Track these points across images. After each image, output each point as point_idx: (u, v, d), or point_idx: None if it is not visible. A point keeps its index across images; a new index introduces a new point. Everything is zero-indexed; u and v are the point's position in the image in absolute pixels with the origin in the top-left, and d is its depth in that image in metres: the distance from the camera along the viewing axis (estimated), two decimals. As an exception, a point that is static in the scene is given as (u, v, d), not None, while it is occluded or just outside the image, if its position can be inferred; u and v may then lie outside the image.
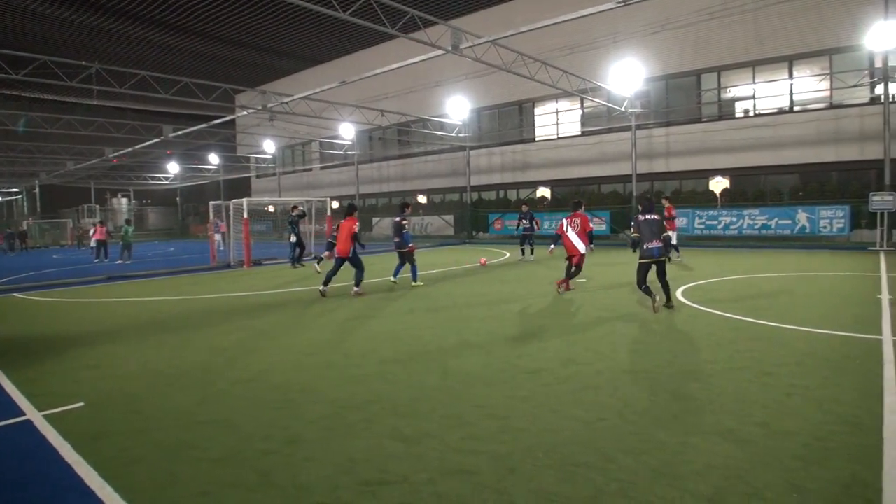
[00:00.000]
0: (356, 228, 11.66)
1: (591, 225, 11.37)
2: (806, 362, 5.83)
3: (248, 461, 3.91)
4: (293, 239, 18.79)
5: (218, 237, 24.18)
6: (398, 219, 12.88)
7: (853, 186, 21.63)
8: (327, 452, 4.00)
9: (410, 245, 12.86)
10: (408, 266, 12.92)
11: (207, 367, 6.47)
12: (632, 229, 9.31)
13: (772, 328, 7.45)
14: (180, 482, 3.65)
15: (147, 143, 34.20)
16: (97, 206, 51.15)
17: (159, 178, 54.50)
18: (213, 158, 47.04)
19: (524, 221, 18.78)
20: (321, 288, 11.65)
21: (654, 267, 8.98)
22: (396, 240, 12.86)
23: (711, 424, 4.28)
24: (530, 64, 20.65)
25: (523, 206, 19.51)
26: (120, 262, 22.45)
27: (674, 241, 15.32)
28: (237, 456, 4.00)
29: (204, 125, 31.01)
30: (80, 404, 5.22)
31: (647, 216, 9.02)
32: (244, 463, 3.88)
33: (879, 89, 20.24)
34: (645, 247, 8.87)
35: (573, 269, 11.19)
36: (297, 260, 18.73)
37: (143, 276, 16.86)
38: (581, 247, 10.98)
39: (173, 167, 50.04)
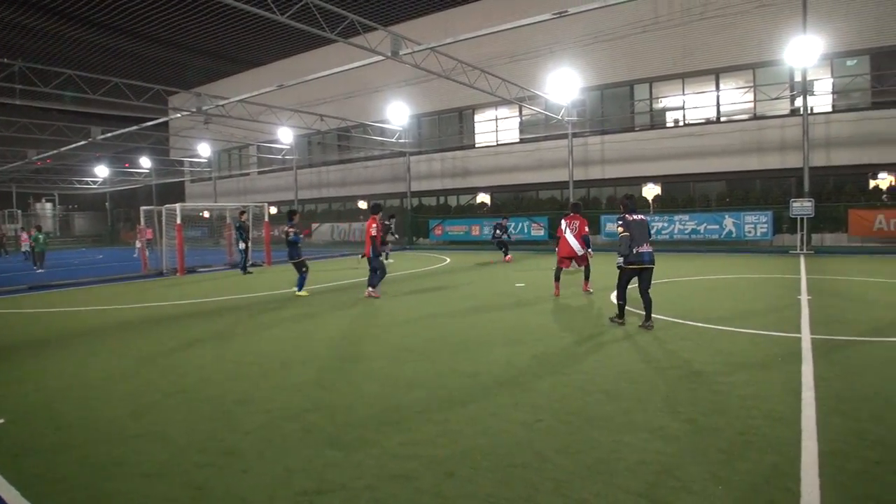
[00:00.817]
0: (373, 231, 11.53)
1: (587, 229, 11.37)
2: (731, 361, 6.12)
3: (183, 475, 3.80)
4: (242, 245, 18.35)
5: (139, 244, 23.88)
6: (286, 228, 12.58)
7: (775, 193, 22.82)
8: (264, 463, 3.94)
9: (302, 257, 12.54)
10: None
11: (138, 378, 6.24)
12: (619, 230, 8.06)
13: (700, 328, 7.78)
14: (110, 499, 3.51)
15: (74, 146, 32.70)
16: (19, 212, 48.49)
17: (87, 182, 52.07)
18: (145, 162, 45.31)
19: (497, 231, 19.88)
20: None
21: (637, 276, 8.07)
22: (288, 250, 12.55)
23: (643, 422, 4.44)
24: (470, 71, 20.89)
25: (504, 220, 20.35)
26: (39, 270, 21.36)
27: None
28: (171, 470, 3.88)
29: (135, 127, 29.91)
30: (1, 421, 4.95)
31: (636, 216, 8.07)
32: (178, 477, 3.77)
33: (799, 101, 21.48)
34: (635, 250, 7.86)
35: (586, 269, 11.61)
36: (244, 267, 18.34)
37: (69, 286, 16.09)
38: (578, 248, 11.10)
39: (102, 171, 47.91)
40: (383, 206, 35.50)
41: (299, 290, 12.59)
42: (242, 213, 19.77)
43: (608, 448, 3.98)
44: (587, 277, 11.59)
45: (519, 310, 9.94)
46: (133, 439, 4.45)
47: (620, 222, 8.04)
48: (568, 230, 11.18)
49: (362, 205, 37.15)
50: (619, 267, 8.12)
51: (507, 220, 20.74)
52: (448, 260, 21.38)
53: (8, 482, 3.76)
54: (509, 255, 20.13)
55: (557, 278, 11.51)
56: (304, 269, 12.53)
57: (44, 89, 18.99)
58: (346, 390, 5.56)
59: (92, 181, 51.56)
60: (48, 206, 55.62)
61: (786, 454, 3.79)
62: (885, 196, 20.90)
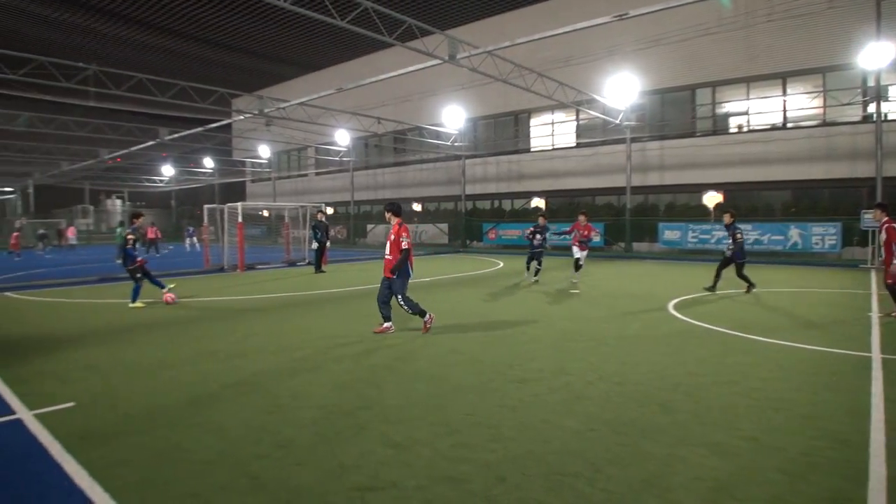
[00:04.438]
0: (404, 242, 8.32)
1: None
2: (794, 378, 5.88)
3: (239, 464, 3.92)
4: (315, 245, 18.58)
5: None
6: (128, 232, 11.54)
7: (845, 204, 21.80)
8: (317, 457, 4.02)
9: (139, 259, 11.39)
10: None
11: (198, 369, 6.46)
12: (737, 236, 11.96)
13: (761, 343, 7.51)
14: (169, 483, 3.66)
15: (143, 146, 34.22)
16: (91, 207, 50.97)
17: (154, 181, 54.40)
18: (209, 162, 47.02)
19: (538, 236, 14.71)
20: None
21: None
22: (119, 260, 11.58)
23: (699, 437, 4.31)
24: (527, 75, 20.81)
25: (540, 219, 15.02)
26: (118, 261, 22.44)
27: (582, 261, 14.14)
28: (227, 459, 4.01)
29: (200, 129, 31.06)
30: (71, 404, 5.22)
31: None
32: (234, 466, 3.89)
33: (872, 107, 20.47)
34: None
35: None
36: (318, 266, 18.51)
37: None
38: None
39: (168, 170, 49.98)
40: (439, 209, 36.05)
41: (132, 301, 11.39)
42: (319, 211, 20.06)
43: (662, 462, 3.89)
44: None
45: (572, 316, 9.81)
46: (191, 428, 4.62)
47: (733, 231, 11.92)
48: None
49: (417, 207, 37.46)
50: None
51: (546, 221, 15.10)
52: (501, 264, 21.31)
53: (77, 462, 3.96)
54: (537, 277, 15.03)
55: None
56: (137, 279, 11.33)
57: (115, 92, 19.95)
58: (398, 390, 5.61)
59: (159, 179, 53.84)
60: (118, 202, 58.30)
61: (852, 478, 3.62)
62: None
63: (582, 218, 14.30)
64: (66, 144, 36.93)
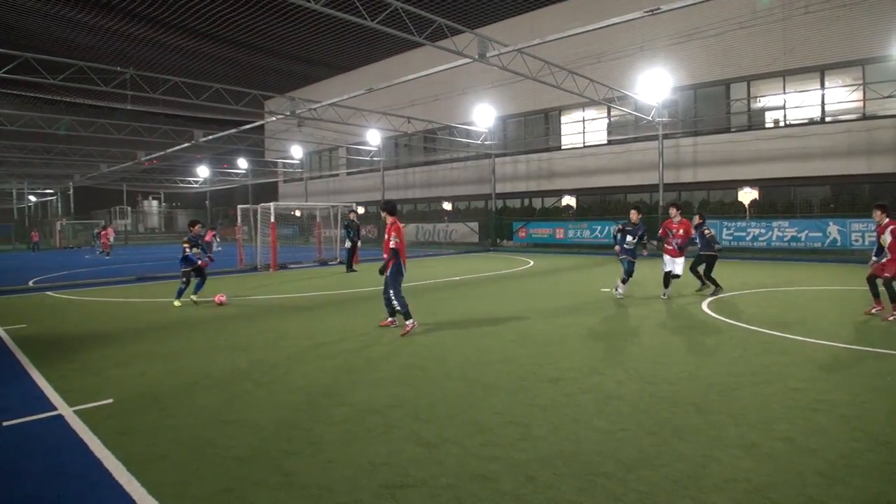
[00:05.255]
0: (392, 241, 8.40)
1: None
2: (834, 378, 5.73)
3: (272, 460, 3.98)
4: (348, 244, 18.73)
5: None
6: (185, 240, 11.89)
7: (886, 199, 21.03)
8: (348, 455, 4.05)
9: (200, 261, 11.82)
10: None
11: (231, 367, 6.58)
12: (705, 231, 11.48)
13: (799, 342, 7.34)
14: (204, 479, 3.73)
15: (178, 147, 34.96)
16: (129, 208, 52.28)
17: (189, 182, 55.54)
18: (242, 163, 47.82)
19: (630, 238, 11.59)
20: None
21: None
22: None
23: (734, 438, 4.23)
24: (557, 72, 20.65)
25: (633, 213, 11.78)
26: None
27: (677, 271, 11.43)
28: (260, 455, 4.08)
29: (233, 130, 31.61)
30: (110, 401, 5.36)
31: None
32: (267, 462, 3.95)
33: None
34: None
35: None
36: (349, 265, 18.67)
37: (170, 278, 17.16)
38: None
39: (203, 171, 50.97)
40: (469, 208, 36.03)
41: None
42: (352, 211, 20.25)
43: (696, 462, 3.83)
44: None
45: (604, 315, 9.72)
46: (226, 424, 4.71)
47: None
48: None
49: (447, 206, 37.51)
50: None
51: (640, 217, 12.08)
52: (531, 263, 21.20)
53: (115, 457, 4.07)
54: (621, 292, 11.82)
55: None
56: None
57: (152, 95, 20.41)
58: (428, 389, 5.63)
59: (194, 180, 54.95)
60: (154, 203, 59.66)
61: (893, 482, 3.51)
62: None
63: (673, 212, 11.47)
64: (105, 147, 37.96)
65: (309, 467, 3.87)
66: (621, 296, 11.54)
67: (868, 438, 4.18)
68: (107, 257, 29.09)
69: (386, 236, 8.45)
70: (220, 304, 11.67)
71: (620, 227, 11.71)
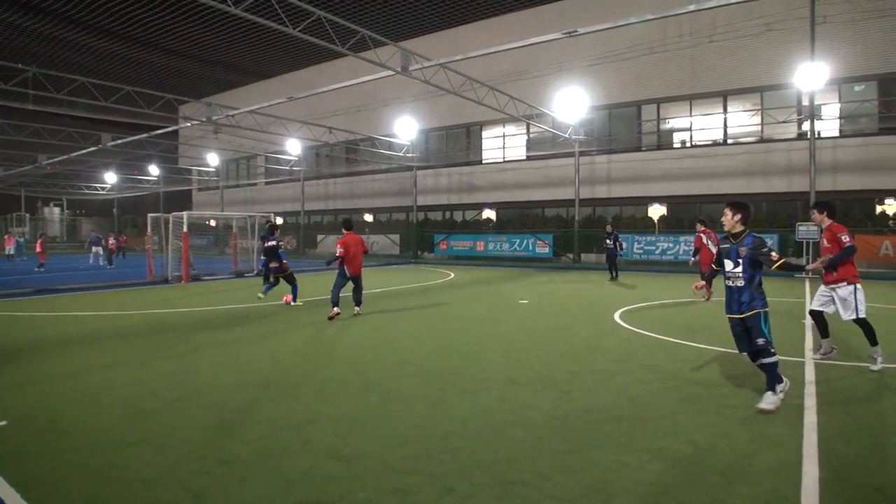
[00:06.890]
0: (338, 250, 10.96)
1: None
2: (734, 383, 6.10)
3: (181, 482, 3.80)
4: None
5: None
6: (275, 240, 13.16)
7: (781, 216, 22.81)
8: (263, 473, 3.93)
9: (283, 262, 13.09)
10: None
11: (139, 385, 6.24)
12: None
13: (703, 350, 7.76)
14: (107, 504, 3.52)
15: (84, 151, 32.98)
16: (27, 215, 48.83)
17: (95, 188, 52.50)
18: (154, 169, 45.68)
19: (608, 242, 18.31)
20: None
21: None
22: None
23: (643, 443, 4.42)
24: (478, 88, 21.03)
25: (607, 226, 18.93)
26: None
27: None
28: (169, 477, 3.89)
29: (145, 135, 30.15)
30: (3, 423, 4.97)
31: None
32: (177, 484, 3.77)
33: (806, 125, 21.54)
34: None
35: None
36: (266, 278, 18.09)
37: (73, 290, 16.16)
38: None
39: (111, 177, 48.32)
40: (390, 220, 35.92)
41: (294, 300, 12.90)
42: (268, 222, 19.62)
43: (608, 468, 3.97)
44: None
45: (521, 326, 9.92)
46: (132, 445, 4.46)
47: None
48: (709, 242, 12.41)
49: (368, 217, 37.27)
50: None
51: (613, 229, 18.93)
52: (452, 275, 21.39)
53: (9, 484, 3.77)
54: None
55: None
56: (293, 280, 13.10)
57: (56, 95, 19.22)
58: (347, 402, 5.55)
59: (100, 187, 52.02)
60: (56, 210, 55.99)
61: (787, 479, 3.77)
62: (891, 222, 20.84)
63: (700, 227, 12.53)
64: (1, 149, 35.32)
65: (221, 488, 3.72)
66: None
67: (765, 440, 4.47)
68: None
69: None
70: (288, 304, 12.68)
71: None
